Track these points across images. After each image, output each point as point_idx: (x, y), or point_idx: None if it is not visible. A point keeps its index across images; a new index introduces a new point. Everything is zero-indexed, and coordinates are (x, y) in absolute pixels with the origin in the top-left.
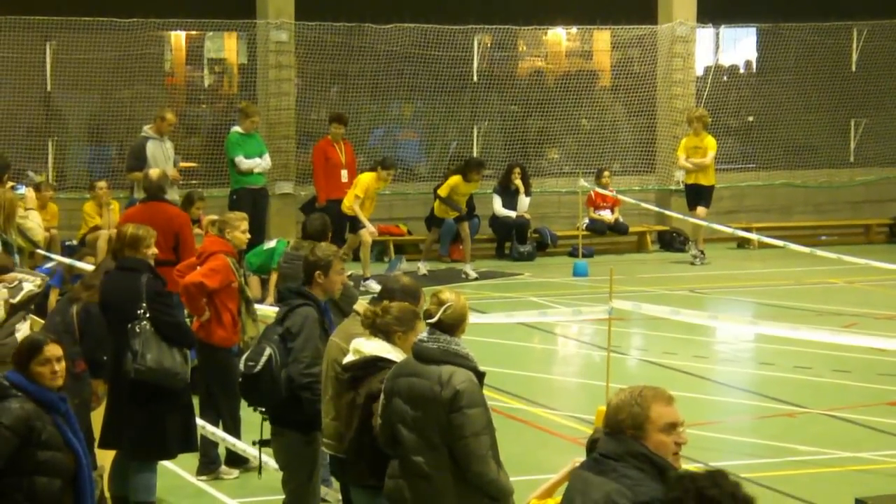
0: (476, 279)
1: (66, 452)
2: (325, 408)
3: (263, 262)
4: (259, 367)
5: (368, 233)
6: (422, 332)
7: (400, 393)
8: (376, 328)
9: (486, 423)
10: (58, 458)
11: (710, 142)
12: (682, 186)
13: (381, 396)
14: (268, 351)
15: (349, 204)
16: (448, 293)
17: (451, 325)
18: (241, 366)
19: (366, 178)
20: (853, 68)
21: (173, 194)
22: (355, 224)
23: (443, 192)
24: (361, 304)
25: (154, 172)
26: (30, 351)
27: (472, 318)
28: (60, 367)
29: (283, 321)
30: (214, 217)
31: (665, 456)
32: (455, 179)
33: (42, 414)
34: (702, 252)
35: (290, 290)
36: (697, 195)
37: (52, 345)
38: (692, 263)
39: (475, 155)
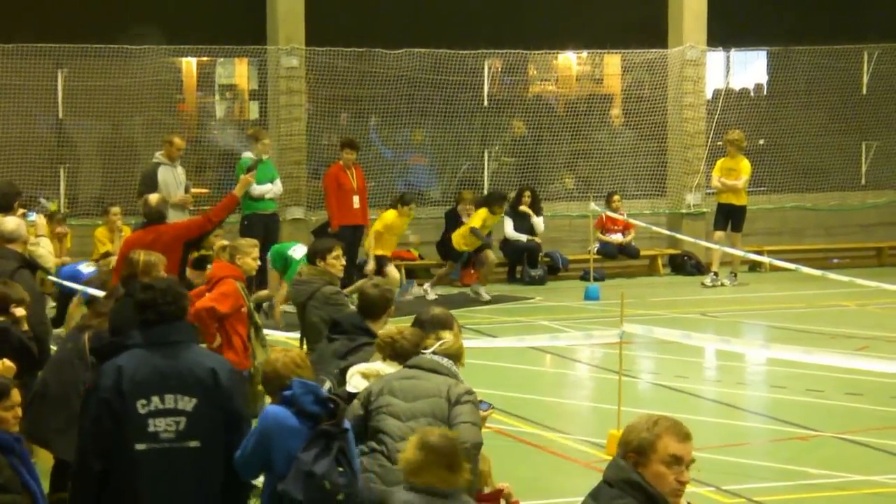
0: (489, 301)
1: (25, 495)
2: None
3: (282, 267)
4: None
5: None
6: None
7: (393, 391)
8: (396, 353)
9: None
10: (17, 501)
11: (745, 165)
12: (691, 210)
13: (363, 396)
14: (328, 384)
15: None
16: (448, 334)
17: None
18: None
19: (389, 216)
20: (864, 91)
21: (182, 219)
22: (381, 263)
23: (475, 222)
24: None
25: (153, 198)
26: None
27: (484, 342)
28: (20, 411)
29: (346, 356)
30: (225, 242)
31: (662, 488)
32: (483, 213)
33: None
34: (716, 274)
35: (356, 326)
36: (728, 214)
37: (16, 390)
38: (710, 286)
39: (486, 179)
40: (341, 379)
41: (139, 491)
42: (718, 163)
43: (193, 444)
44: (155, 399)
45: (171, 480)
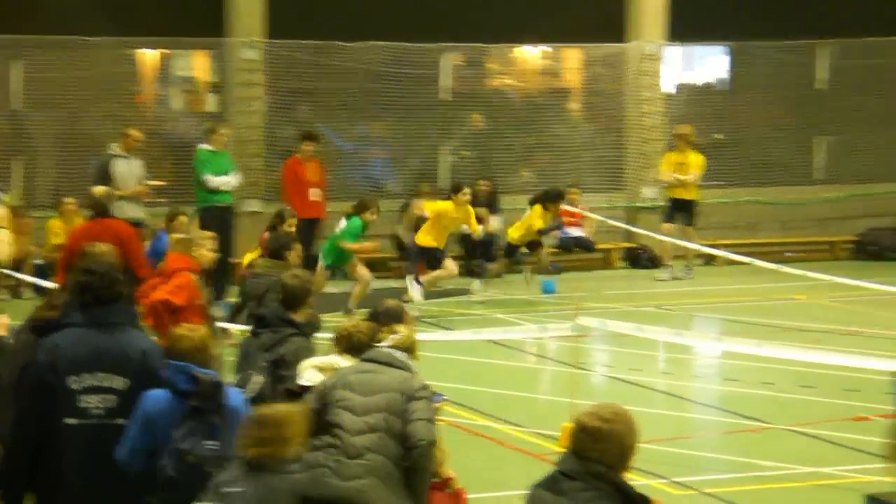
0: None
1: None
2: None
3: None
4: (250, 395)
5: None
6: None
7: (349, 385)
8: (352, 346)
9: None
10: None
11: (695, 159)
12: (647, 203)
13: (319, 389)
14: (257, 378)
15: (422, 237)
16: (403, 328)
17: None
18: None
19: (442, 205)
20: (820, 86)
21: (138, 211)
22: (432, 258)
23: (535, 221)
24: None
25: (98, 190)
26: None
27: (440, 335)
28: None
29: (272, 348)
30: (180, 235)
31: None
32: (538, 209)
33: None
34: (670, 267)
35: (280, 318)
36: (678, 209)
37: None
38: (665, 279)
39: (444, 172)
40: (273, 371)
41: (68, 464)
42: (667, 157)
43: (122, 421)
44: (87, 376)
45: (100, 456)
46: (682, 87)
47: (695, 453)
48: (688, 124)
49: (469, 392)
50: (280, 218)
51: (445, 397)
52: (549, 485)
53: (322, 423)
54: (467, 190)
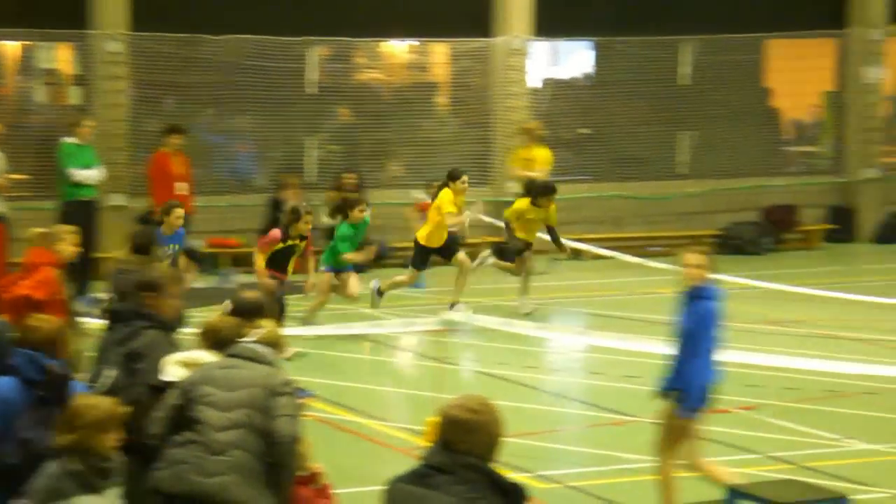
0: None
1: None
2: None
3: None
4: (102, 390)
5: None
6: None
7: (213, 381)
8: (218, 342)
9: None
10: None
11: (541, 154)
12: (513, 198)
13: (182, 385)
14: (109, 372)
15: (424, 234)
16: (267, 322)
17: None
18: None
19: (445, 197)
20: (683, 82)
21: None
22: (446, 251)
23: (509, 215)
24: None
25: None
26: None
27: (305, 329)
28: None
29: (124, 342)
30: (42, 230)
31: None
32: (524, 203)
33: None
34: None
35: (133, 312)
36: None
37: None
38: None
39: (310, 165)
40: (126, 364)
41: None
42: (515, 153)
43: None
44: None
45: None
46: (550, 83)
47: (559, 447)
48: (535, 120)
49: (335, 387)
50: (295, 215)
51: (312, 393)
52: (416, 479)
53: (184, 419)
54: (465, 177)
